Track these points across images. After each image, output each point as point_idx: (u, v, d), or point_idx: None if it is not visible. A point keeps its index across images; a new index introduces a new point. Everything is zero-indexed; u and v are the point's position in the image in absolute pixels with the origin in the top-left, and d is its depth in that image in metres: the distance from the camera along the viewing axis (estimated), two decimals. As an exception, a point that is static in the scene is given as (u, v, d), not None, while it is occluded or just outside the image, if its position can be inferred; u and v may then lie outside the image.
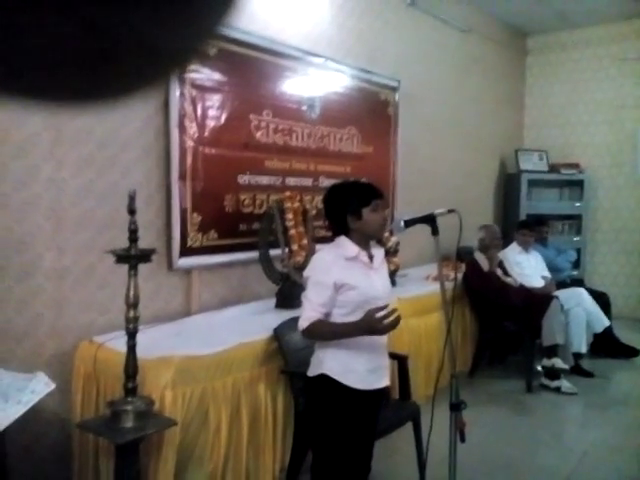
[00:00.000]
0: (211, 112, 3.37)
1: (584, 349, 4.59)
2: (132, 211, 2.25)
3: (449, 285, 2.66)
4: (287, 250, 3.46)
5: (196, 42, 0.40)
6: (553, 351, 4.34)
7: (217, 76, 3.40)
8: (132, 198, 2.25)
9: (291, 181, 3.94)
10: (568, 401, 4.16)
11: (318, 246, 3.30)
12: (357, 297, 2.09)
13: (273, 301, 3.48)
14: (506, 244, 4.97)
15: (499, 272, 4.62)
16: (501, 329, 4.60)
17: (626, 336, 5.21)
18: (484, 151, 6.56)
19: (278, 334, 2.86)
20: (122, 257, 2.25)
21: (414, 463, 2.88)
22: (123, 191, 2.44)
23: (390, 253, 4.06)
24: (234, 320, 3.19)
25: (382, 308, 2.02)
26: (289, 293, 3.38)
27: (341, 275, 2.09)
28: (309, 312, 2.09)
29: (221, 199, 3.49)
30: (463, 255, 4.62)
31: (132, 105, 2.88)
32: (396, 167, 4.98)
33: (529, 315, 4.37)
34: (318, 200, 3.90)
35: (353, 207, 2.15)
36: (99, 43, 0.35)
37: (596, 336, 4.80)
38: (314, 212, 3.82)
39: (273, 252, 3.49)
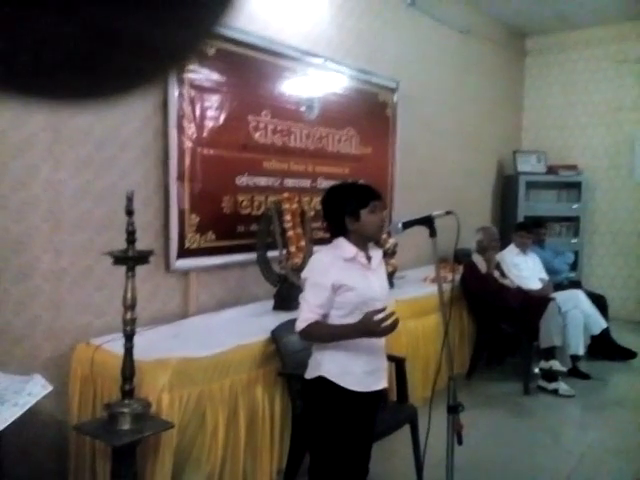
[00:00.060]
0: (209, 112, 3.37)
1: (581, 351, 4.60)
2: (130, 212, 2.24)
3: (447, 287, 2.65)
4: (285, 252, 3.45)
5: (195, 41, 0.40)
6: (550, 353, 4.34)
7: (216, 76, 3.39)
8: (130, 199, 2.24)
9: (289, 182, 3.93)
10: (566, 403, 4.16)
11: (316, 248, 3.30)
12: (355, 298, 2.09)
13: (271, 303, 3.47)
14: (504, 246, 4.97)
15: (497, 274, 4.63)
16: (499, 331, 4.60)
17: (623, 338, 5.21)
18: (482, 152, 6.57)
19: (276, 336, 2.86)
20: (120, 259, 2.24)
21: (412, 465, 2.88)
22: (121, 192, 2.43)
23: (388, 255, 4.05)
24: (232, 322, 3.18)
25: (380, 311, 2.02)
26: (287, 295, 3.38)
27: (339, 276, 2.08)
28: (307, 313, 2.09)
29: (219, 200, 3.48)
30: (461, 257, 4.63)
31: (131, 105, 2.88)
32: (394, 168, 4.98)
33: (527, 317, 4.37)
34: (316, 201, 3.90)
35: (351, 208, 2.14)
36: (98, 42, 0.35)
37: (593, 338, 4.80)
38: (312, 213, 3.82)
39: (271, 254, 3.48)
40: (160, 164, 3.16)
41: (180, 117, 3.20)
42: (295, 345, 2.77)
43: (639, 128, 6.55)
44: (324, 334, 2.12)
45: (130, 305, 2.25)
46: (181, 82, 3.18)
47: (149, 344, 2.57)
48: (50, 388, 2.09)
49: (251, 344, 2.80)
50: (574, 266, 6.19)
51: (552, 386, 4.29)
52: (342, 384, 2.10)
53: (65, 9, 0.33)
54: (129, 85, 0.40)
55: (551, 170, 6.73)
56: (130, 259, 2.24)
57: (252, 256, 3.47)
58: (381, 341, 2.19)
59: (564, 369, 4.35)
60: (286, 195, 3.54)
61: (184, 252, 3.27)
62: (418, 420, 2.86)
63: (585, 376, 4.58)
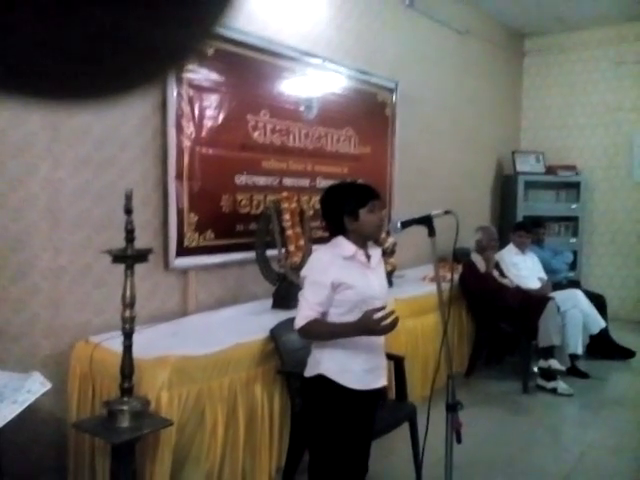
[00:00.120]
0: (208, 112, 3.37)
1: (580, 350, 4.60)
2: (129, 211, 2.24)
3: (446, 286, 2.66)
4: (284, 251, 3.46)
5: (195, 42, 0.40)
6: (549, 352, 4.34)
7: (214, 76, 3.40)
8: (129, 198, 2.25)
9: (288, 182, 3.94)
10: (564, 402, 4.17)
11: (315, 247, 3.30)
12: (354, 296, 2.09)
13: (270, 301, 3.48)
14: (502, 245, 4.98)
15: (496, 273, 4.63)
16: (497, 330, 4.61)
17: (622, 338, 5.22)
18: (481, 152, 6.57)
19: (275, 334, 2.86)
20: (119, 257, 2.24)
21: (410, 464, 2.88)
22: (120, 191, 2.44)
23: (387, 254, 4.06)
24: (231, 320, 3.18)
25: (380, 309, 2.02)
26: (286, 294, 3.38)
27: (338, 274, 2.09)
28: (306, 311, 2.09)
29: (218, 199, 3.48)
30: (460, 256, 4.63)
31: (130, 105, 2.88)
32: (393, 168, 4.98)
33: (525, 316, 4.38)
34: (315, 201, 3.90)
35: (350, 208, 2.15)
36: (97, 42, 0.35)
37: (592, 337, 4.81)
38: (311, 213, 3.82)
39: (270, 253, 3.49)
40: (159, 163, 3.17)
41: (179, 116, 3.20)
42: (294, 343, 2.77)
43: (637, 128, 6.57)
44: (323, 332, 2.12)
45: (129, 303, 2.25)
46: (180, 82, 3.19)
47: (148, 342, 2.57)
48: (49, 386, 2.09)
49: (250, 342, 2.80)
50: (573, 266, 6.20)
51: (551, 385, 4.29)
52: (341, 382, 2.10)
53: (65, 9, 0.33)
54: (129, 85, 0.40)
55: (550, 170, 6.74)
56: (129, 257, 2.24)
57: (251, 255, 3.47)
58: (380, 339, 2.19)
59: (563, 368, 4.35)
60: (285, 194, 3.54)
61: (183, 251, 3.27)
62: (417, 418, 2.87)
63: (584, 375, 4.58)
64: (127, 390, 2.25)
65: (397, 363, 3.08)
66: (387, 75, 4.82)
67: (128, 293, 2.25)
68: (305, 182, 4.08)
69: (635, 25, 6.46)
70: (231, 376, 2.66)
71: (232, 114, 3.50)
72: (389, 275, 3.90)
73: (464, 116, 6.12)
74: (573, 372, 4.55)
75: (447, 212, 2.33)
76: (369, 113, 4.66)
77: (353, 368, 2.12)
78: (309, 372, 2.18)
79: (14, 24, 0.33)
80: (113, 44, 0.36)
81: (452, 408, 2.25)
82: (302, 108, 4.01)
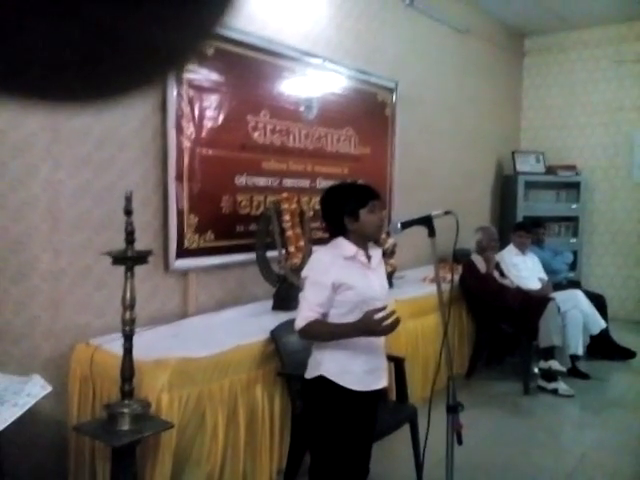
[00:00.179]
0: (208, 113, 3.37)
1: (581, 351, 4.60)
2: (129, 212, 2.24)
3: (446, 287, 2.65)
4: (284, 252, 3.45)
5: (195, 42, 0.40)
6: (550, 353, 4.34)
7: (214, 76, 3.39)
8: (129, 199, 2.24)
9: (288, 182, 3.93)
10: (565, 403, 4.16)
11: (315, 247, 3.29)
12: (355, 297, 2.09)
13: (270, 303, 3.47)
14: (503, 246, 4.97)
15: (496, 274, 4.63)
16: (498, 331, 4.60)
17: (622, 338, 5.22)
18: (481, 152, 6.57)
19: (275, 336, 2.86)
20: (118, 259, 2.24)
21: (411, 465, 2.87)
22: (120, 192, 2.43)
23: (387, 255, 4.05)
24: (231, 322, 3.18)
25: (381, 309, 2.01)
26: (286, 295, 3.38)
27: (339, 275, 2.08)
28: (306, 312, 2.08)
29: (218, 200, 3.48)
30: (460, 257, 4.62)
31: (129, 105, 2.87)
32: (393, 168, 4.98)
33: (526, 317, 4.37)
34: (315, 201, 3.90)
35: (350, 208, 2.14)
36: (98, 42, 0.35)
37: (592, 338, 4.81)
38: (311, 213, 3.82)
39: (270, 254, 3.48)
40: (159, 164, 3.16)
41: (179, 117, 3.19)
42: (294, 345, 2.77)
43: (638, 128, 6.56)
44: (324, 332, 2.12)
45: (129, 305, 2.24)
46: (180, 82, 3.18)
47: (148, 344, 2.57)
48: (49, 388, 2.08)
49: (250, 344, 2.79)
50: (573, 266, 6.19)
51: (551, 386, 4.29)
52: (342, 383, 2.10)
53: (65, 9, 0.33)
54: (129, 86, 0.40)
55: (550, 170, 6.74)
56: (129, 259, 2.23)
57: (251, 256, 3.47)
58: (380, 340, 2.18)
59: (563, 369, 4.35)
60: (285, 195, 3.54)
61: (183, 252, 3.26)
62: (418, 420, 2.86)
63: (584, 376, 4.58)
64: (127, 393, 2.24)
65: (397, 364, 3.07)
66: (387, 75, 4.82)
67: (128, 295, 2.24)
68: (305, 183, 4.07)
69: (635, 25, 6.46)
70: (231, 378, 2.66)
71: (232, 114, 3.50)
72: (389, 276, 3.89)
73: (464, 116, 6.12)
74: (574, 373, 4.55)
75: (447, 212, 2.32)
76: (369, 113, 4.65)
77: (353, 369, 2.11)
78: (309, 374, 2.17)
79: (14, 25, 0.33)
80: (113, 44, 0.35)
81: (453, 409, 2.24)
82: (302, 108, 4.00)
